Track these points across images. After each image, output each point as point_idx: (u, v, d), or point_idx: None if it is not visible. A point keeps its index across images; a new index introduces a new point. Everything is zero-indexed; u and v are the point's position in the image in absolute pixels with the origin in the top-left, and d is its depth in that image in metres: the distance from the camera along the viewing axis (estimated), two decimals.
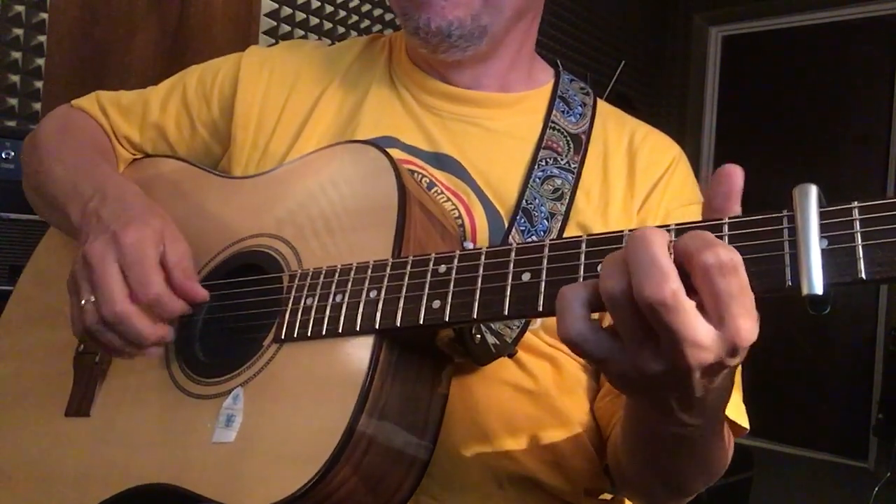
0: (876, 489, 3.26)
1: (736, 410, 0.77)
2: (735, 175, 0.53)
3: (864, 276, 0.47)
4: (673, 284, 0.48)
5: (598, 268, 0.55)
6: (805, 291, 0.48)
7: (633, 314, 0.50)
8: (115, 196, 0.82)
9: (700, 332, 0.48)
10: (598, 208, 0.86)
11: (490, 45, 0.87)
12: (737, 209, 0.53)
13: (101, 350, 0.81)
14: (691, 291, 0.49)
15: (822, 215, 0.49)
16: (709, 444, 0.66)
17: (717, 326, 0.49)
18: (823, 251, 0.48)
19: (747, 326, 0.49)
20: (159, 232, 0.77)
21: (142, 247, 0.74)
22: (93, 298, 0.74)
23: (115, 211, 0.79)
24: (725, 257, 0.47)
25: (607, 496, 0.90)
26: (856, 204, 0.49)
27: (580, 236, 0.59)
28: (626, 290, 0.49)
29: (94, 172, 0.88)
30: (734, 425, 0.77)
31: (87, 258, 0.75)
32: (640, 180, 0.88)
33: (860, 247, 0.48)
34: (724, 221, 0.52)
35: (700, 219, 0.55)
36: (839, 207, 0.49)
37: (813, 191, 0.50)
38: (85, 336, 0.77)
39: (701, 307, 0.49)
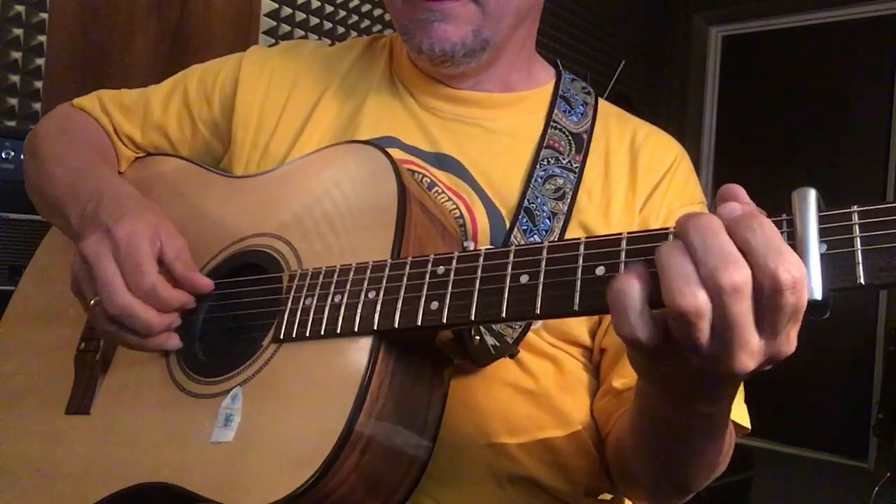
0: (876, 489, 3.26)
1: (738, 410, 0.77)
2: (737, 195, 0.52)
3: (863, 281, 0.47)
4: (747, 270, 0.47)
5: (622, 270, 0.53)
6: (806, 284, 0.47)
7: (702, 321, 0.48)
8: (111, 196, 0.82)
9: (755, 337, 0.48)
10: (599, 208, 0.86)
11: (492, 55, 0.88)
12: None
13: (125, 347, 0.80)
14: None
15: (821, 219, 0.49)
16: (716, 434, 0.66)
17: (769, 337, 0.48)
18: (822, 256, 0.48)
19: (793, 339, 0.49)
20: (153, 226, 0.77)
21: (134, 239, 0.74)
22: (98, 298, 0.74)
23: (110, 209, 0.79)
24: (798, 274, 0.46)
25: (607, 496, 0.90)
26: (855, 208, 0.48)
27: (578, 238, 0.59)
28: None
29: (92, 174, 0.88)
30: (735, 425, 0.77)
31: (84, 256, 0.75)
32: (642, 179, 0.88)
33: (859, 252, 0.48)
34: None
35: None
36: (838, 212, 0.49)
37: (812, 195, 0.49)
38: (107, 340, 0.79)
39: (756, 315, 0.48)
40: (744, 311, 0.47)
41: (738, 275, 0.46)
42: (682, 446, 0.67)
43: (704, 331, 0.48)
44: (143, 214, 0.78)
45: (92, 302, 0.75)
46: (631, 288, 0.50)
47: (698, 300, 0.47)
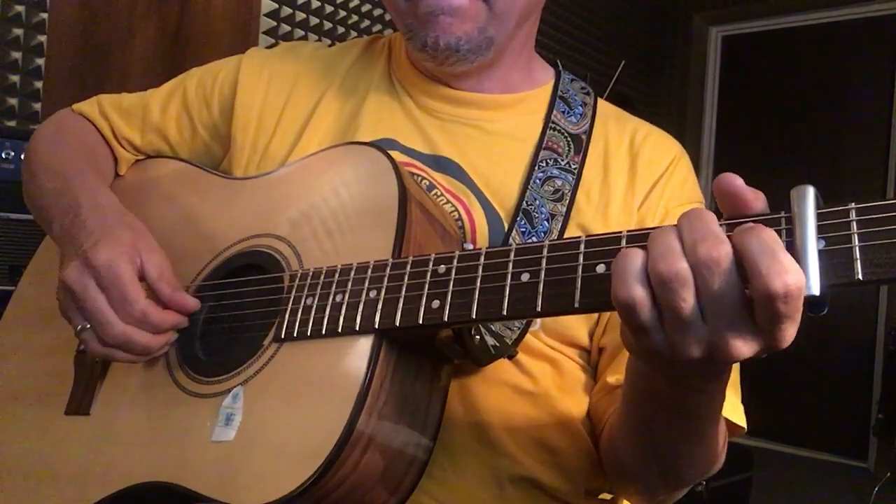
0: (876, 489, 3.26)
1: (733, 410, 0.77)
2: (731, 182, 0.53)
3: (860, 276, 0.48)
4: (727, 248, 0.49)
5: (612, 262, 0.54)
6: (803, 293, 0.48)
7: (685, 290, 0.50)
8: (89, 207, 0.83)
9: (747, 328, 0.50)
10: (598, 208, 0.86)
11: (495, 54, 0.88)
12: (756, 205, 0.53)
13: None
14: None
15: (819, 216, 0.49)
16: (706, 416, 0.66)
17: (763, 331, 0.50)
18: (820, 252, 0.49)
19: (790, 335, 0.50)
20: (131, 245, 0.77)
21: (115, 266, 0.75)
22: (88, 325, 0.75)
23: (88, 228, 0.80)
24: (793, 282, 0.47)
25: (607, 496, 0.90)
26: (853, 205, 0.49)
27: (579, 237, 0.59)
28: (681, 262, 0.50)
29: (74, 184, 0.88)
30: (732, 425, 0.77)
31: (67, 286, 0.76)
32: (640, 178, 0.88)
33: (857, 248, 0.48)
34: (721, 222, 0.53)
35: None
36: (836, 209, 0.50)
37: (810, 192, 0.50)
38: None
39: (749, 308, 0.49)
40: (725, 287, 0.49)
41: (716, 249, 0.49)
42: (673, 426, 0.67)
43: (689, 301, 0.50)
44: (119, 234, 0.78)
45: (79, 328, 0.76)
46: (634, 254, 0.52)
47: (679, 266, 0.49)
